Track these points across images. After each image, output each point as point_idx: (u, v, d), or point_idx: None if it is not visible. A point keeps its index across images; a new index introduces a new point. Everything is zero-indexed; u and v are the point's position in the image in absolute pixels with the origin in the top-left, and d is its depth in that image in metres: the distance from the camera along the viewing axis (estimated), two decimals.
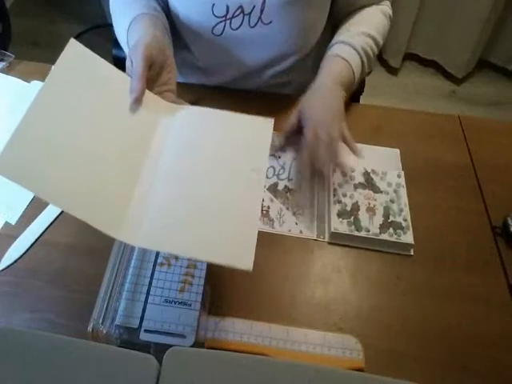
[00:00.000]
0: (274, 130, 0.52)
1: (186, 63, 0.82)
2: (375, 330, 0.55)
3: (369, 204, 0.64)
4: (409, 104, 1.80)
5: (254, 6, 0.68)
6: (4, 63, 0.80)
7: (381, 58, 1.95)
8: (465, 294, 0.58)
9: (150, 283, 0.54)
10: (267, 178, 0.68)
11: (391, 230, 0.62)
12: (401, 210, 0.64)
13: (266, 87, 0.82)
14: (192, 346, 0.50)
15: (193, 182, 0.49)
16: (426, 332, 0.55)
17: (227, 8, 0.68)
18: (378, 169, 0.68)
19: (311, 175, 0.69)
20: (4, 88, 0.77)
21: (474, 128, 0.77)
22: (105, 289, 0.53)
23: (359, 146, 0.72)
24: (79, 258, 0.59)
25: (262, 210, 0.64)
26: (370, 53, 0.74)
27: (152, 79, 0.56)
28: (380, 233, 0.61)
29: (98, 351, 0.40)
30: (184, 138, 0.53)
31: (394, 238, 0.61)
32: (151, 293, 0.54)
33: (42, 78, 0.77)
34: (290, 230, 0.63)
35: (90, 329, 0.50)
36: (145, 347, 0.50)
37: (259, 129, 0.52)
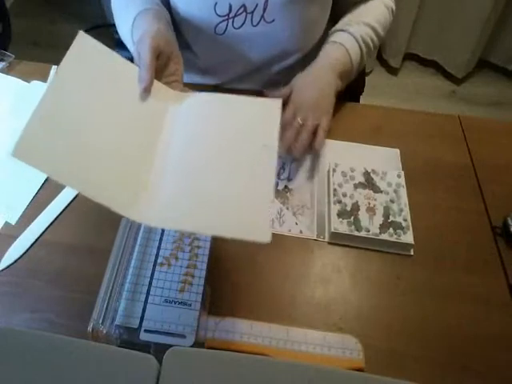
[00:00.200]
0: None
1: (186, 63, 0.82)
2: (375, 330, 0.55)
3: (369, 204, 0.64)
4: (409, 104, 1.80)
5: (256, 5, 0.68)
6: (4, 63, 0.80)
7: (381, 58, 1.95)
8: (465, 294, 0.58)
9: (150, 283, 0.54)
10: None
11: (391, 229, 0.62)
12: (401, 210, 0.64)
13: (267, 86, 0.82)
14: (192, 346, 0.50)
15: (206, 162, 0.50)
16: (426, 332, 0.55)
17: (230, 7, 0.68)
18: (378, 169, 0.68)
19: (311, 175, 0.69)
20: (4, 88, 0.77)
21: (474, 128, 0.77)
22: (105, 289, 0.53)
23: (360, 145, 0.73)
24: (79, 258, 0.59)
25: None
26: (369, 43, 0.74)
27: (160, 70, 0.57)
28: (380, 233, 0.61)
29: (98, 351, 0.40)
30: (194, 122, 0.54)
31: (393, 238, 0.61)
32: (151, 293, 0.54)
33: (42, 77, 0.78)
34: (290, 230, 0.63)
35: (90, 329, 0.50)
36: (145, 347, 0.50)
37: (268, 108, 0.53)
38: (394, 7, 0.79)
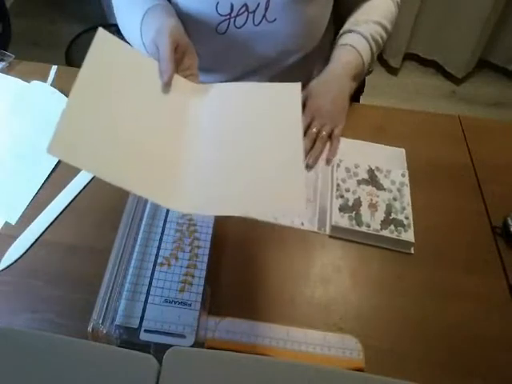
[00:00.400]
0: None
1: None
2: (375, 330, 0.55)
3: (371, 200, 0.64)
4: (409, 104, 1.80)
5: (258, 4, 0.68)
6: (4, 63, 0.80)
7: (381, 58, 1.95)
8: (465, 293, 0.58)
9: (150, 283, 0.54)
10: None
11: (392, 226, 0.62)
12: (403, 209, 0.64)
13: None
14: (192, 346, 0.50)
15: (233, 146, 0.51)
16: (426, 332, 0.55)
17: (231, 6, 0.68)
18: (382, 167, 0.68)
19: (315, 170, 0.70)
20: (4, 88, 0.77)
21: (473, 128, 0.77)
22: (105, 289, 0.53)
23: (366, 143, 0.73)
24: (79, 258, 0.59)
25: None
26: (379, 40, 0.74)
27: (176, 63, 0.56)
28: (381, 229, 0.61)
29: (98, 351, 0.40)
30: (217, 112, 0.55)
31: (394, 235, 0.61)
32: (151, 293, 0.54)
33: (42, 77, 0.78)
34: (292, 222, 0.63)
35: (90, 329, 0.50)
36: (145, 347, 0.50)
37: (288, 91, 0.54)
38: (399, 0, 0.79)
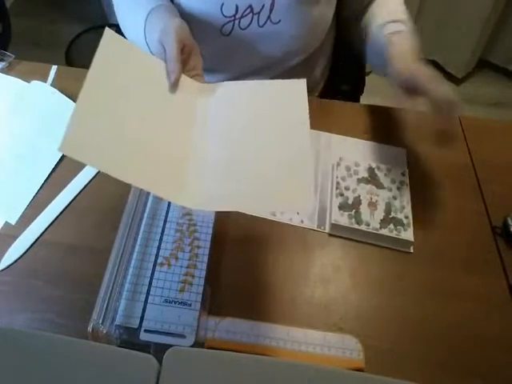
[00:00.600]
0: None
1: None
2: (375, 330, 0.55)
3: (371, 199, 0.65)
4: None
5: (263, 5, 0.68)
6: (4, 63, 0.80)
7: None
8: (465, 293, 0.58)
9: (150, 283, 0.54)
10: None
11: (392, 225, 0.62)
12: (403, 208, 0.64)
13: None
14: (192, 346, 0.50)
15: (240, 144, 0.52)
16: (426, 332, 0.55)
17: (236, 7, 0.68)
18: (382, 165, 0.69)
19: (315, 168, 0.69)
20: (4, 88, 0.77)
21: (473, 128, 0.77)
22: (105, 289, 0.53)
23: (366, 142, 0.73)
24: (79, 258, 0.59)
25: None
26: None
27: (182, 63, 0.56)
28: (380, 228, 0.62)
29: (98, 351, 0.40)
30: (224, 110, 0.55)
31: (393, 234, 0.61)
32: (151, 293, 0.54)
33: (42, 77, 0.78)
34: (291, 219, 0.64)
35: (90, 329, 0.50)
36: (145, 347, 0.50)
37: (294, 88, 0.54)
38: None
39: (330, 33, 0.80)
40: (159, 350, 0.43)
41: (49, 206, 0.64)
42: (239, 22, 0.70)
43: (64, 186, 0.66)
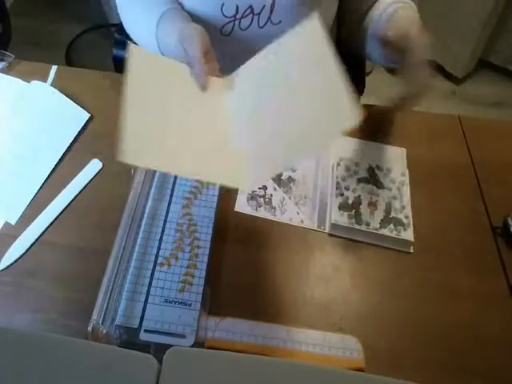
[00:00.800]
0: None
1: None
2: (375, 330, 0.55)
3: (371, 199, 0.65)
4: None
5: (263, 6, 0.68)
6: (4, 63, 0.80)
7: None
8: (465, 294, 0.58)
9: (150, 283, 0.54)
10: None
11: (392, 225, 0.62)
12: (403, 208, 0.64)
13: None
14: (192, 346, 0.50)
15: (279, 108, 0.53)
16: (426, 332, 0.55)
17: (237, 8, 0.68)
18: (382, 165, 0.69)
19: (315, 167, 0.70)
20: (4, 88, 0.77)
21: (473, 128, 0.77)
22: (105, 289, 0.53)
23: (366, 142, 0.73)
24: (79, 258, 0.59)
25: (265, 198, 0.66)
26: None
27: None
28: (380, 227, 0.62)
29: (98, 351, 0.40)
30: (250, 87, 0.58)
31: (393, 234, 0.61)
32: (151, 293, 0.54)
33: (42, 77, 0.78)
34: (291, 219, 0.64)
35: (90, 329, 0.50)
36: (145, 347, 0.50)
37: (308, 27, 0.55)
38: None
39: (331, 34, 0.79)
40: (159, 350, 0.43)
41: (49, 206, 0.64)
42: (239, 22, 0.70)
43: (64, 186, 0.66)
